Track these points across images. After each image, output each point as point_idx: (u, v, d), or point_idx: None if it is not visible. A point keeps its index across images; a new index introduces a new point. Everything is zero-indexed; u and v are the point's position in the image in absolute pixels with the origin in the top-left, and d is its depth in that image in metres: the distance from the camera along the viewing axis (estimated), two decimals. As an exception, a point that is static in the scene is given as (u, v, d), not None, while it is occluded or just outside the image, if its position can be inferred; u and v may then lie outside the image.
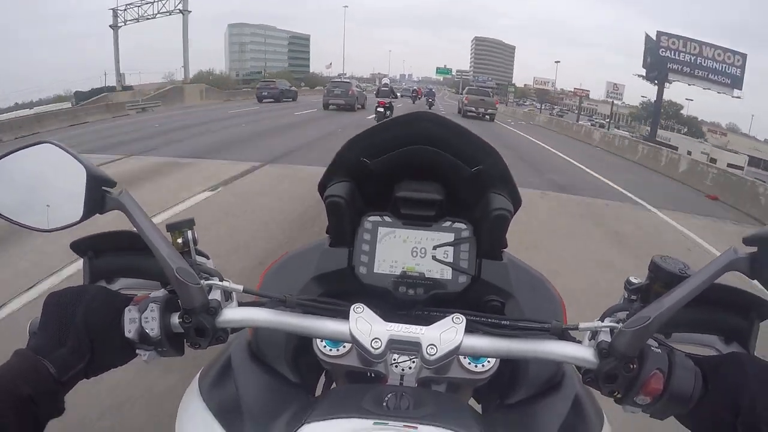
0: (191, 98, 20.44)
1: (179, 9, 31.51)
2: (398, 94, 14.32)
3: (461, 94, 25.09)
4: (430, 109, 24.11)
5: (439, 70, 79.69)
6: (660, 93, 27.14)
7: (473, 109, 19.41)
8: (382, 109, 11.73)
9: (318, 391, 0.65)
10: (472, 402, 0.65)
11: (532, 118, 24.65)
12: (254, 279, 0.62)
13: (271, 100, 21.44)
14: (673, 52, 25.72)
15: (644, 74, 27.52)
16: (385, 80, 13.58)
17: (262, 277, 0.64)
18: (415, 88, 36.33)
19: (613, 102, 31.23)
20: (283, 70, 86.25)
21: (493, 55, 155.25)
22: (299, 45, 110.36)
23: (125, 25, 31.51)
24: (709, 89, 25.65)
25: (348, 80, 21.63)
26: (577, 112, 42.85)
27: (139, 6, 31.62)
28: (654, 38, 26.32)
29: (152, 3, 31.64)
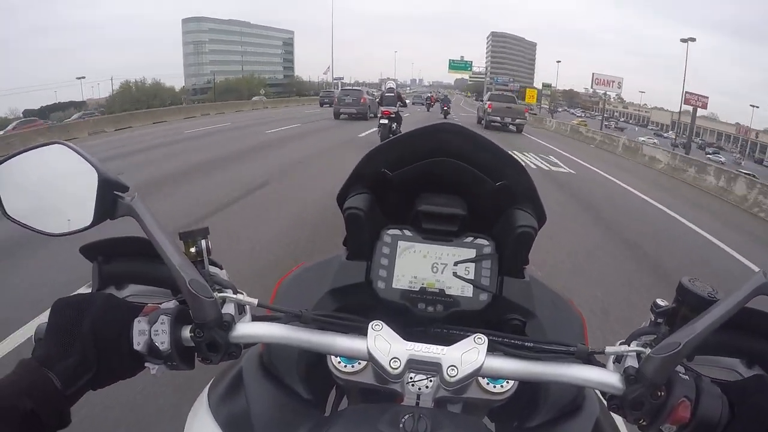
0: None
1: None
2: (407, 101, 12.97)
3: (480, 101, 24.39)
4: (445, 118, 24.11)
5: (452, 65, 63.68)
6: None
7: (498, 118, 18.76)
8: (386, 121, 10.51)
9: (328, 407, 0.70)
10: (485, 422, 0.69)
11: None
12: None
13: (329, 105, 26.29)
14: None
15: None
16: (390, 83, 11.95)
17: (276, 287, 0.68)
18: (429, 94, 37.75)
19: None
20: (248, 75, 79.93)
21: (512, 53, 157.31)
22: (280, 45, 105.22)
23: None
24: None
25: (359, 88, 24.31)
26: (687, 133, 33.80)
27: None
28: None
29: None
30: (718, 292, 0.49)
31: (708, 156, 42.85)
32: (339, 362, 0.62)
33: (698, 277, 0.51)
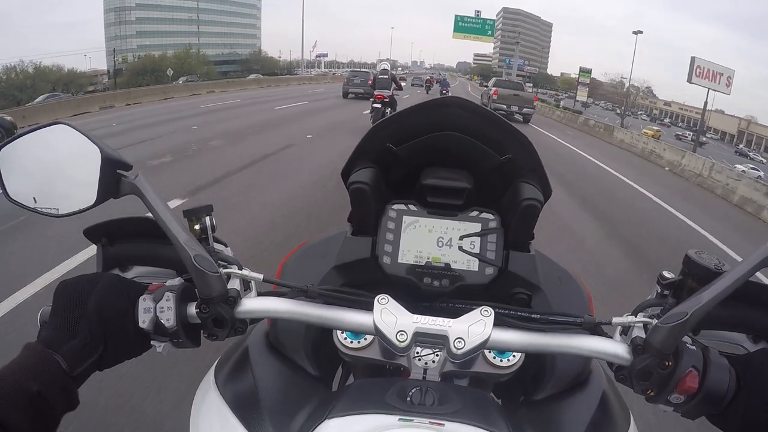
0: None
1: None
2: (403, 84, 12.93)
3: (486, 86, 25.42)
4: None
5: (460, 25, 42.64)
6: None
7: (504, 106, 19.78)
8: (379, 105, 11.01)
9: (335, 384, 0.80)
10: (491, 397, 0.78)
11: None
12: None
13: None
14: None
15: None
16: (383, 65, 12.47)
17: (280, 266, 0.79)
18: (428, 77, 41.18)
19: None
20: (184, 50, 66.90)
21: (526, 33, 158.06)
22: (240, 12, 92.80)
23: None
24: None
25: (366, 70, 28.78)
26: None
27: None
28: None
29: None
30: (724, 264, 0.56)
31: None
32: (345, 338, 0.71)
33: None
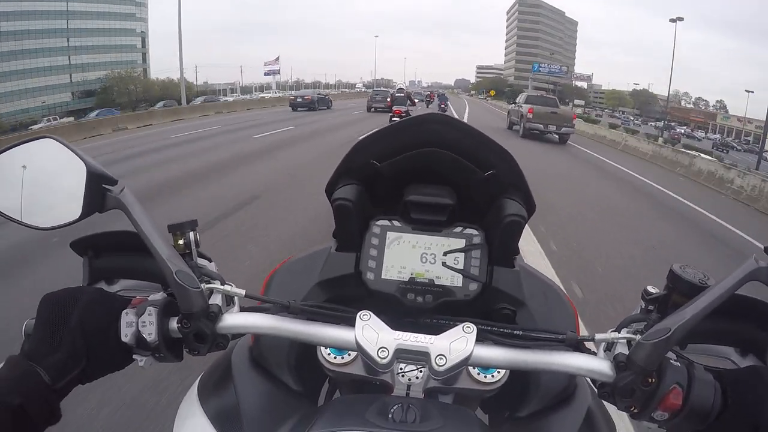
0: None
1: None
2: (416, 100, 18.54)
3: (514, 103, 27.08)
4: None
5: None
6: None
7: (541, 125, 21.71)
8: (397, 120, 14.21)
9: (321, 399, 1.06)
10: (479, 413, 1.06)
11: None
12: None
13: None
14: None
15: None
16: (400, 86, 16.88)
17: (265, 282, 1.04)
18: (428, 93, 57.41)
19: None
20: None
21: (548, 31, 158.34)
22: (117, 13, 78.83)
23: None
24: None
25: (386, 89, 46.74)
26: None
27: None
28: None
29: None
30: (709, 278, 0.71)
31: None
32: (329, 354, 0.91)
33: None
